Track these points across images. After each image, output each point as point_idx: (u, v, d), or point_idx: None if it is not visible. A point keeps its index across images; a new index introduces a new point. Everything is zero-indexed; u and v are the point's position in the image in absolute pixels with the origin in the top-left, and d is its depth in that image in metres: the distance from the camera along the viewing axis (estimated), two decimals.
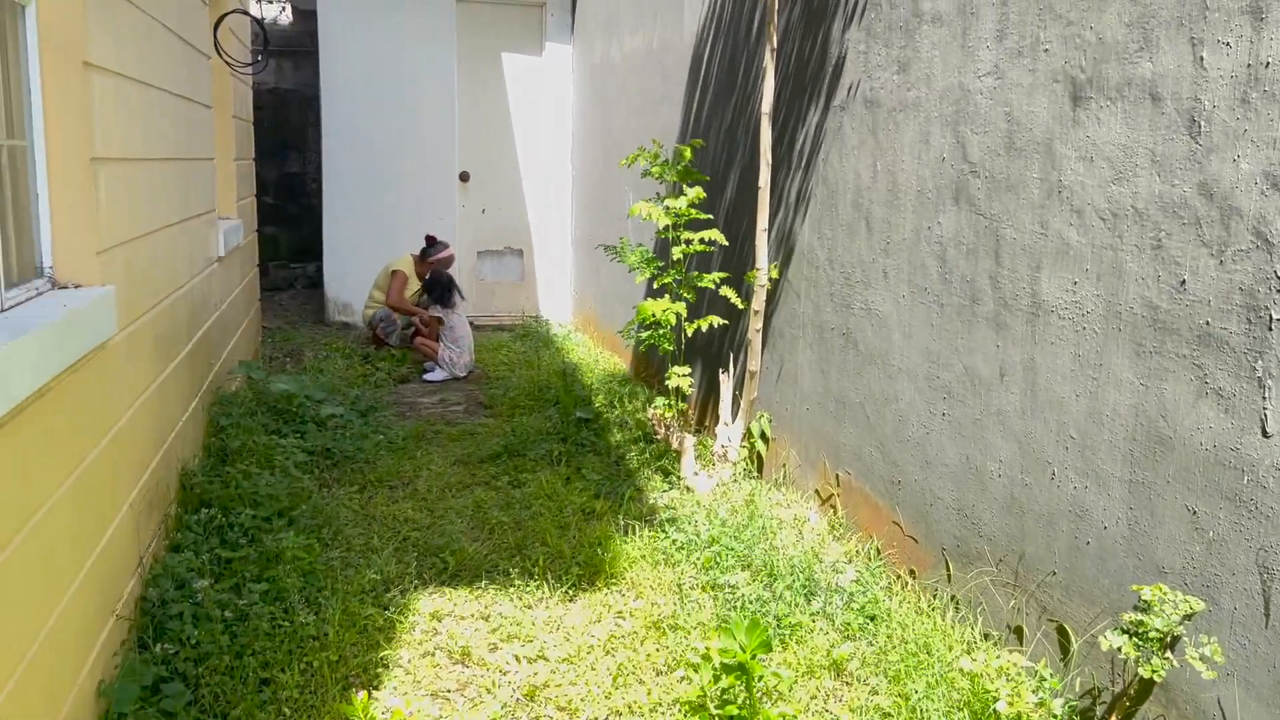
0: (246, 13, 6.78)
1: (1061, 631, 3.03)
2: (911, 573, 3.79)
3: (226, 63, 5.92)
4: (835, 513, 4.34)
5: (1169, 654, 2.52)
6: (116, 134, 3.16)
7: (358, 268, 8.76)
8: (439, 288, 7.52)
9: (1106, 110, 2.81)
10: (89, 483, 2.74)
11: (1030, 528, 3.17)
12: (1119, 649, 2.54)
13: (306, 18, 10.00)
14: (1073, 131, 2.94)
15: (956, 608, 3.50)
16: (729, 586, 3.76)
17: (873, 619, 3.55)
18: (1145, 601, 2.54)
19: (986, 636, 3.34)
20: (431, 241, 7.99)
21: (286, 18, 10.42)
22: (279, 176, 10.48)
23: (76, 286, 2.86)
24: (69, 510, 2.55)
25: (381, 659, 3.26)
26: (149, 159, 3.68)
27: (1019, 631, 3.21)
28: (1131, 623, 2.55)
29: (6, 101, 2.61)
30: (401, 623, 3.51)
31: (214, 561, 3.64)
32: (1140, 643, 2.52)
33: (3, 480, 2.10)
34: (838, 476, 4.35)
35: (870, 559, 3.98)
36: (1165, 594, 2.52)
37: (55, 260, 2.84)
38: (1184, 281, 2.57)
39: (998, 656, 3.04)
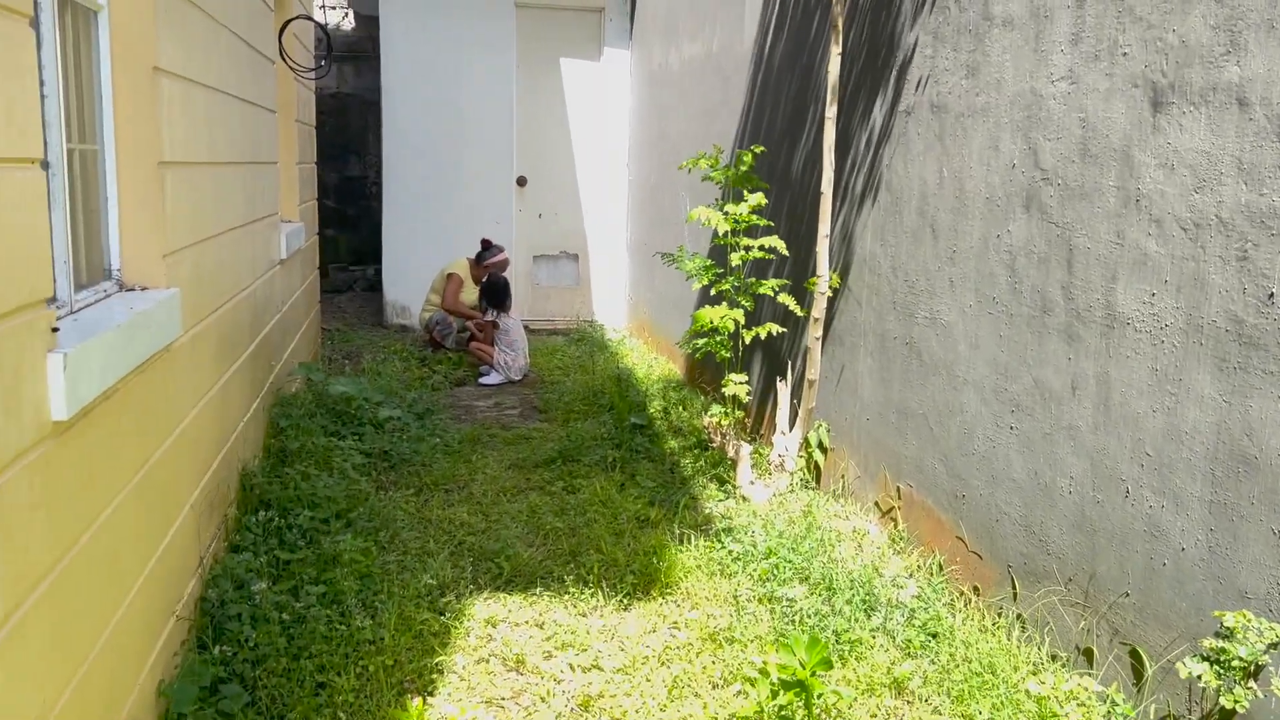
0: (310, 18, 6.86)
1: (1135, 655, 2.92)
2: (975, 589, 3.69)
3: (290, 68, 5.99)
4: (896, 526, 4.25)
5: (1253, 683, 2.41)
6: (184, 138, 3.19)
7: (416, 271, 8.82)
8: (495, 292, 7.54)
9: (1189, 116, 2.71)
10: (153, 483, 2.76)
11: (1102, 546, 3.06)
12: (1199, 676, 2.44)
13: (368, 23, 10.12)
14: (1152, 138, 2.84)
15: (1023, 627, 3.40)
16: (786, 599, 3.70)
17: (935, 636, 3.46)
18: (1227, 628, 2.44)
19: (1054, 658, 3.24)
20: (486, 245, 8.02)
21: (349, 23, 10.55)
22: (339, 180, 10.61)
23: (143, 289, 2.90)
24: (133, 511, 2.57)
25: (436, 664, 3.25)
26: (215, 163, 3.72)
27: (1089, 654, 3.11)
28: (1212, 649, 2.45)
29: (79, 106, 2.64)
30: (456, 628, 3.50)
31: (272, 563, 3.66)
32: (1222, 671, 2.41)
33: (70, 481, 2.12)
34: (898, 489, 4.26)
35: (932, 574, 3.89)
36: (1249, 620, 2.41)
37: (123, 263, 2.88)
38: (1272, 295, 2.46)
39: (1067, 679, 2.95)
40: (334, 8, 10.47)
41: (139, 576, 2.62)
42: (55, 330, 2.05)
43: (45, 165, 2.32)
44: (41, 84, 2.28)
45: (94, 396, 2.20)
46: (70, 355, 2.03)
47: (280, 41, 5.68)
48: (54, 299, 2.35)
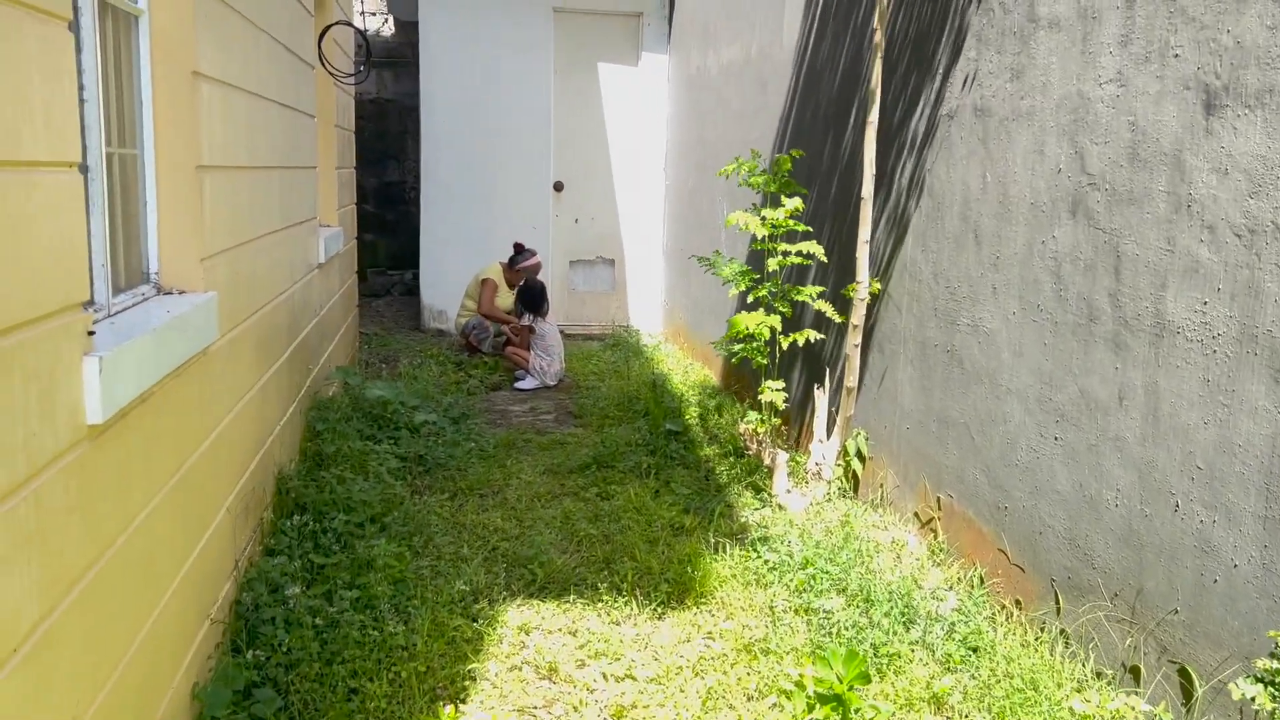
0: (350, 24, 6.91)
1: (1184, 674, 2.83)
2: (1017, 603, 3.61)
3: (330, 73, 6.03)
4: (935, 537, 4.18)
5: None
6: (222, 142, 3.21)
7: (453, 275, 8.84)
8: (532, 297, 7.54)
9: (1244, 119, 2.63)
10: (189, 487, 2.77)
11: (1150, 561, 2.98)
12: (1252, 699, 2.35)
13: (408, 29, 10.18)
14: (1205, 142, 2.76)
15: (1066, 642, 3.32)
16: (823, 611, 3.64)
17: (975, 651, 3.39)
18: None
19: (1099, 675, 3.16)
20: (519, 249, 8.02)
21: (389, 29, 10.62)
22: (378, 185, 10.68)
23: (181, 292, 2.90)
24: (169, 514, 2.58)
25: (469, 671, 3.23)
26: (253, 167, 3.73)
27: (1135, 672, 3.02)
28: (1267, 671, 2.36)
29: (119, 110, 2.66)
30: (489, 635, 3.48)
31: (307, 567, 3.67)
32: (1276, 693, 2.33)
33: (105, 484, 2.12)
34: (939, 499, 4.18)
35: (973, 587, 3.81)
36: None
37: (161, 266, 2.89)
38: None
39: (1113, 698, 2.87)
40: (374, 14, 10.56)
41: (174, 579, 2.62)
42: (91, 334, 2.06)
43: (84, 169, 2.33)
44: (81, 88, 2.30)
45: (130, 400, 2.20)
46: (106, 359, 2.03)
47: (320, 47, 5.72)
48: (92, 302, 2.36)
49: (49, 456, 1.83)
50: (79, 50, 2.28)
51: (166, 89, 2.83)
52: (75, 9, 2.25)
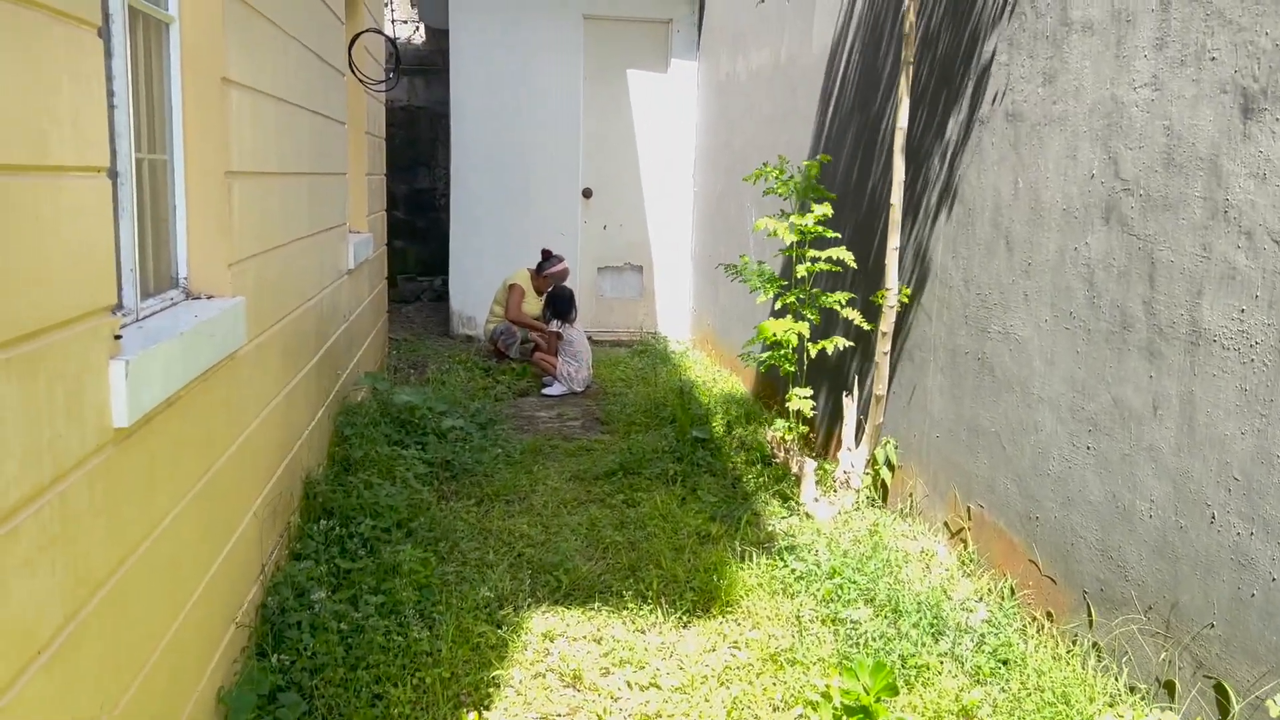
0: (380, 31, 6.95)
1: (1220, 690, 2.77)
2: (1049, 615, 3.55)
3: (360, 80, 6.07)
4: (965, 547, 4.12)
5: None
6: (252, 148, 3.23)
7: (482, 282, 8.88)
8: (560, 303, 7.55)
9: None
10: (215, 491, 2.78)
11: (1185, 574, 2.91)
12: None
13: (438, 36, 10.24)
14: (1243, 146, 2.70)
15: (1099, 656, 3.26)
16: (851, 621, 3.60)
17: (1005, 663, 3.33)
18: None
19: (1132, 689, 3.10)
20: (546, 255, 8.04)
21: (419, 36, 10.70)
22: (409, 192, 10.75)
23: (209, 297, 2.92)
24: (195, 518, 2.59)
25: (493, 678, 3.22)
26: (283, 173, 3.76)
27: (1170, 687, 2.96)
28: None
29: (149, 116, 2.68)
30: (514, 642, 3.47)
31: (333, 571, 3.68)
32: None
33: (131, 487, 2.13)
34: (969, 509, 4.13)
35: (1003, 598, 3.75)
36: None
37: (190, 271, 2.91)
38: None
39: (1147, 713, 2.81)
40: (405, 21, 10.64)
41: (200, 583, 2.63)
42: (118, 337, 2.07)
43: (114, 174, 2.35)
44: (111, 94, 2.32)
45: (156, 404, 2.21)
46: (132, 363, 2.04)
47: (350, 54, 5.76)
48: (120, 306, 2.38)
49: (75, 459, 1.84)
50: (109, 56, 2.30)
51: (196, 95, 2.85)
52: (106, 16, 2.27)
